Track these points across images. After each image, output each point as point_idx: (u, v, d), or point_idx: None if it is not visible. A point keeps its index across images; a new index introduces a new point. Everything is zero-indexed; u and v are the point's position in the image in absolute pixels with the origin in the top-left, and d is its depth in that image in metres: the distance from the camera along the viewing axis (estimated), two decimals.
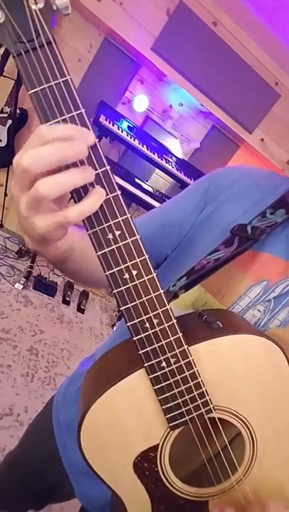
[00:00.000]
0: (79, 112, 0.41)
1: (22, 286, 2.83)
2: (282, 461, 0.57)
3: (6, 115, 2.68)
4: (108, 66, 2.81)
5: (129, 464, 0.54)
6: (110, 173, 0.43)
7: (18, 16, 0.38)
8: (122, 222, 0.44)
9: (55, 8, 0.39)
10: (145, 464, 0.54)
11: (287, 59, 2.76)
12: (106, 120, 2.68)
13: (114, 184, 0.43)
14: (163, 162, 2.86)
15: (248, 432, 0.54)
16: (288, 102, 2.95)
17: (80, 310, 3.11)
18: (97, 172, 0.42)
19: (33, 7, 0.38)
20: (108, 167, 0.42)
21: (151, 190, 2.97)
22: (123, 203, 0.44)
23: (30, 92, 0.40)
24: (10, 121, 2.71)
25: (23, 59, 0.39)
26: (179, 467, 0.56)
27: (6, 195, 3.06)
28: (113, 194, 0.43)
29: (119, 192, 0.43)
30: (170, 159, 2.97)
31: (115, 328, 3.15)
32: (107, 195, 0.43)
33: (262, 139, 3.05)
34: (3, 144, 2.78)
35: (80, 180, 0.40)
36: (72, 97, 0.40)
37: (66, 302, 3.06)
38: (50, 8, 0.38)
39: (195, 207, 0.71)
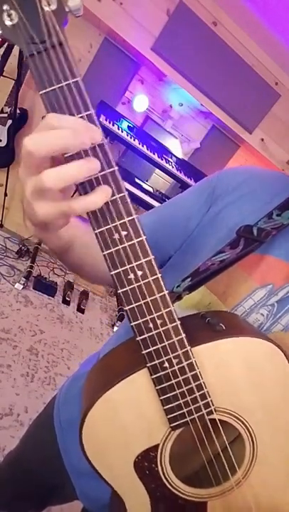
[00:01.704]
0: (88, 112, 0.41)
1: (22, 286, 2.82)
2: (281, 464, 0.57)
3: (6, 115, 2.68)
4: (108, 66, 2.80)
5: (129, 462, 0.54)
6: (118, 174, 0.43)
7: (31, 17, 0.38)
8: (128, 223, 0.44)
9: (67, 9, 0.39)
10: (145, 464, 0.54)
11: (287, 59, 2.76)
12: (106, 120, 2.68)
13: (122, 185, 0.43)
14: (163, 162, 2.86)
15: (248, 434, 0.54)
16: (288, 102, 2.94)
17: (80, 310, 3.11)
18: (104, 173, 0.42)
19: (46, 8, 0.38)
20: (116, 168, 0.43)
21: (151, 190, 2.97)
22: (130, 204, 0.44)
23: (41, 93, 0.40)
24: (10, 121, 2.70)
25: (36, 60, 0.40)
26: (179, 467, 0.57)
27: (6, 195, 3.05)
28: (120, 195, 0.43)
29: (126, 193, 0.44)
30: (170, 159, 2.97)
31: (116, 328, 3.15)
32: (114, 195, 0.43)
33: (262, 139, 3.05)
34: (3, 143, 2.77)
35: (85, 172, 0.40)
36: (83, 97, 0.41)
37: (66, 302, 3.06)
38: (62, 9, 0.39)
39: (201, 206, 0.70)
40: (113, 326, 3.22)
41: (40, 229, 0.48)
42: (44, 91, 0.40)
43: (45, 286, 2.98)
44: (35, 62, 0.40)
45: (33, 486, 0.91)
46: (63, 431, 0.82)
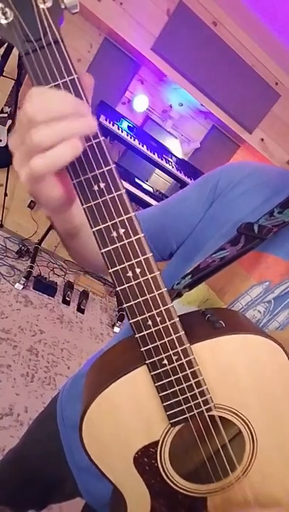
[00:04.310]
0: None
1: (22, 286, 2.83)
2: (281, 460, 0.57)
3: (6, 115, 2.69)
4: (108, 66, 2.81)
5: (129, 458, 0.54)
6: (115, 172, 0.43)
7: (26, 15, 0.38)
8: (126, 221, 0.44)
9: (63, 6, 0.38)
10: (145, 459, 0.54)
11: (287, 59, 2.76)
12: (106, 120, 2.69)
13: (119, 182, 0.43)
14: (163, 162, 2.86)
15: (248, 430, 0.54)
16: (288, 102, 2.95)
17: (80, 310, 3.11)
18: (102, 170, 0.42)
19: (42, 6, 0.37)
20: (113, 165, 0.43)
21: (151, 190, 2.98)
22: (127, 201, 0.44)
23: None
24: (10, 121, 2.71)
25: (31, 58, 0.39)
26: (179, 463, 0.57)
27: (6, 195, 3.06)
28: (118, 192, 0.43)
29: (124, 190, 0.43)
30: (170, 159, 2.97)
31: (116, 328, 3.15)
32: (112, 193, 0.43)
33: (262, 139, 3.06)
34: (3, 143, 2.78)
35: (79, 129, 0.38)
36: (80, 96, 0.40)
37: (66, 302, 3.06)
38: (58, 6, 0.38)
39: (204, 201, 0.70)
40: (113, 326, 3.22)
41: (46, 208, 0.47)
42: None
43: (45, 286, 2.98)
44: (30, 60, 0.39)
45: (34, 483, 0.90)
46: (67, 428, 0.82)
